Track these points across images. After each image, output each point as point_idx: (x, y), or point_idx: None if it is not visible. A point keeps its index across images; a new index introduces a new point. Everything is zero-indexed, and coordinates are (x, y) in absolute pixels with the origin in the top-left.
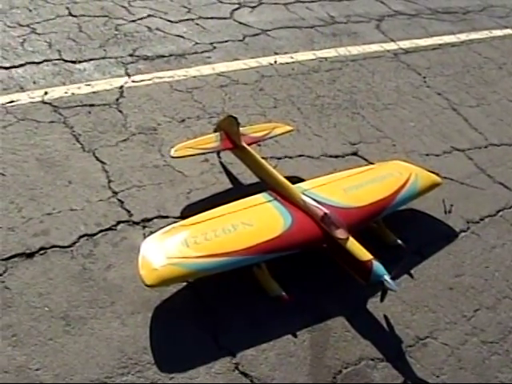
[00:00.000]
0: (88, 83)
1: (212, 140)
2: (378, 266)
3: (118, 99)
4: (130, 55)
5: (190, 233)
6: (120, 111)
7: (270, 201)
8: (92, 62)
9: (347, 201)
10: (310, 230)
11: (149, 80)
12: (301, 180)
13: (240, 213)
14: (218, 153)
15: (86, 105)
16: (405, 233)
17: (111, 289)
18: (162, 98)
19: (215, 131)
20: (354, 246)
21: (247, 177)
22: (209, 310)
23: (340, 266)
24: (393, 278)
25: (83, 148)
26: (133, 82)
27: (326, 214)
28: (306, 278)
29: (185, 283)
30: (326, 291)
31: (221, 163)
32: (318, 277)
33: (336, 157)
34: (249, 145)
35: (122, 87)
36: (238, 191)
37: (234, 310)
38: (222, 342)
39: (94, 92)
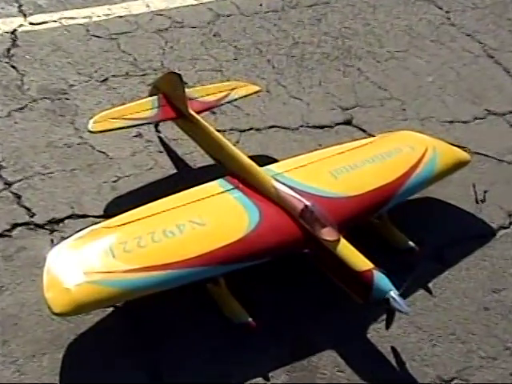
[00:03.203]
0: None
1: (147, 107)
2: (381, 279)
3: (9, 50)
4: None
5: (117, 238)
6: (13, 67)
7: (228, 190)
8: None
9: (337, 188)
10: (286, 230)
11: (55, 22)
12: (273, 161)
13: (187, 208)
14: (156, 125)
15: None
16: (419, 231)
17: (3, 322)
18: (74, 47)
19: (151, 95)
20: (348, 251)
21: (197, 157)
22: (147, 343)
23: (329, 278)
24: (403, 295)
25: None
26: (31, 24)
27: (307, 206)
28: (281, 297)
29: (111, 309)
30: (309, 314)
31: (160, 139)
32: (297, 295)
33: (322, 127)
34: (199, 113)
35: (14, 32)
36: (184, 178)
37: (183, 343)
38: None
39: None
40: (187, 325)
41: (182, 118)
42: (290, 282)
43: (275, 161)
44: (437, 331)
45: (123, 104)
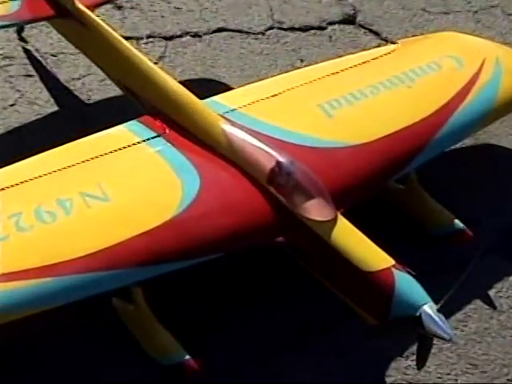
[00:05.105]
0: None
1: None
2: (407, 284)
3: None
4: None
5: None
6: None
7: (147, 140)
8: None
9: (332, 133)
10: (245, 206)
11: None
12: (223, 89)
13: (77, 171)
14: (20, 30)
15: None
16: (473, 204)
17: None
18: None
19: None
20: (351, 239)
21: (92, 84)
22: None
23: (320, 285)
24: (444, 311)
25: None
26: None
27: (280, 164)
28: (242, 318)
29: None
30: (290, 345)
31: (27, 55)
32: (270, 313)
33: (305, 29)
34: (94, 7)
35: None
36: (70, 120)
37: None
38: None
39: None
40: (89, 369)
41: (64, 17)
42: (258, 292)
43: (227, 89)
44: (506, 372)
45: None
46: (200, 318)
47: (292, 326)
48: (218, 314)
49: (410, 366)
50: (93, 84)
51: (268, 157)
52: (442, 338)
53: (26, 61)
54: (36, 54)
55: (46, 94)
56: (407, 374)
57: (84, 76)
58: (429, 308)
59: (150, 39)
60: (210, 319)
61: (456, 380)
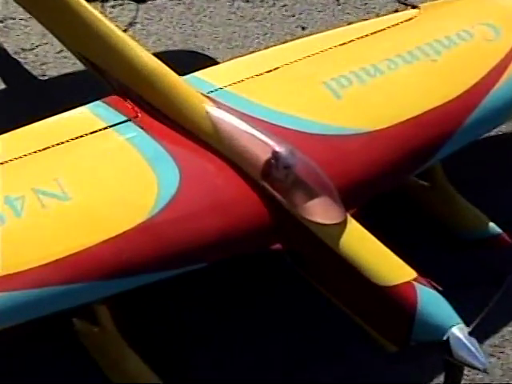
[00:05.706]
0: None
1: None
2: (432, 301)
3: None
4: None
5: None
6: None
7: (115, 126)
8: None
9: (341, 117)
10: (234, 206)
11: None
12: (209, 63)
13: (31, 163)
14: None
15: None
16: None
17: None
18: None
19: None
20: (364, 246)
21: (48, 57)
22: None
23: (327, 301)
24: (474, 334)
25: None
26: None
27: (277, 155)
28: (230, 338)
29: None
30: (291, 367)
31: None
32: (264, 335)
33: None
34: None
35: None
36: (21, 100)
37: None
38: None
39: None
40: None
41: None
42: (252, 303)
43: (211, 63)
44: None
45: None
46: (179, 332)
47: (296, 347)
48: (202, 328)
49: None
50: (48, 56)
51: (262, 146)
52: (475, 368)
53: None
54: None
55: None
56: None
57: (37, 46)
58: (458, 331)
59: (118, 1)
60: (192, 334)
61: None
